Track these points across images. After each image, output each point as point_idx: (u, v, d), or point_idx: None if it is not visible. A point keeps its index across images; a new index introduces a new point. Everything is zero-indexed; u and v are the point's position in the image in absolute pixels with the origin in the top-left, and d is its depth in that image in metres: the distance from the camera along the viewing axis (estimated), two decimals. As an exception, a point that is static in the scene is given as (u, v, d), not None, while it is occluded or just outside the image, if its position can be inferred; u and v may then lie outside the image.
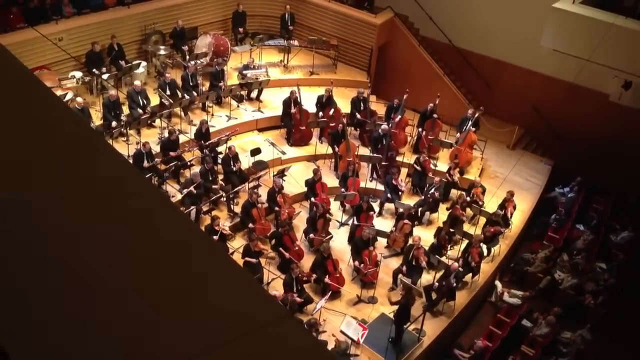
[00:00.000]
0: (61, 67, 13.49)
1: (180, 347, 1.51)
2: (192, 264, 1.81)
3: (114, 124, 12.55)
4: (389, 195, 13.18)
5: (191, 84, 13.98)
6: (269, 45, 16.32)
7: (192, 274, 1.77)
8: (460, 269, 11.39)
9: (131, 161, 11.34)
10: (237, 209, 12.30)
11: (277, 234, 11.72)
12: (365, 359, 10.22)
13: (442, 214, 13.15)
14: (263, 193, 12.50)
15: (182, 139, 13.01)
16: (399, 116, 14.43)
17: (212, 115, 14.23)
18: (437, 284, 11.16)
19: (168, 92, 13.53)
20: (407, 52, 16.70)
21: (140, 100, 13.10)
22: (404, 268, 11.45)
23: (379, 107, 15.51)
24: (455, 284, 11.01)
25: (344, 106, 14.89)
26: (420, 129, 14.72)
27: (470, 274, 11.83)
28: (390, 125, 14.17)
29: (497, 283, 12.81)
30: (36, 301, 1.56)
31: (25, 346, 1.44)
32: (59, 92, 12.00)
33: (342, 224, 12.99)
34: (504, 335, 11.53)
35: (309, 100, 14.65)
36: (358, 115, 14.74)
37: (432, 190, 12.99)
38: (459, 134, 14.72)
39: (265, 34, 16.32)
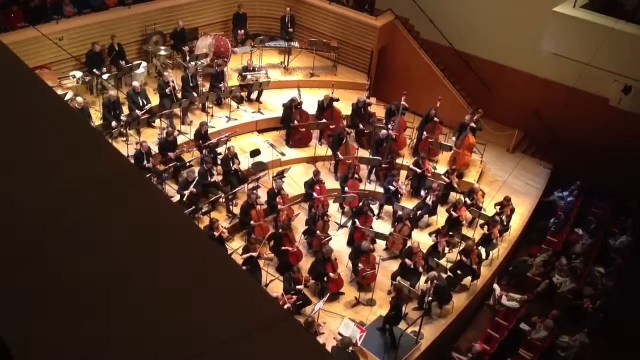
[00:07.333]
0: (61, 67, 13.51)
1: (180, 347, 1.51)
2: (192, 264, 1.81)
3: (113, 124, 12.55)
4: (388, 197, 13.17)
5: (191, 84, 13.98)
6: (270, 46, 16.34)
7: (192, 274, 1.77)
8: (443, 274, 11.38)
9: (132, 161, 11.35)
10: (236, 210, 12.30)
11: (276, 236, 11.71)
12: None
13: (441, 217, 13.15)
14: (262, 194, 12.50)
15: (182, 139, 13.01)
16: (398, 118, 14.42)
17: (212, 116, 14.23)
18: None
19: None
20: (408, 54, 16.70)
21: (140, 101, 13.11)
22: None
23: (379, 110, 15.51)
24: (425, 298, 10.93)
25: (344, 108, 14.89)
26: (420, 131, 14.72)
27: (470, 277, 11.83)
28: (391, 128, 14.17)
29: (496, 286, 12.81)
30: (37, 301, 1.56)
31: (27, 345, 1.44)
32: (59, 92, 12.00)
33: (341, 226, 12.99)
34: (502, 339, 11.52)
35: (308, 102, 14.65)
36: (361, 126, 14.66)
37: (430, 194, 12.98)
38: (454, 138, 14.76)
39: (266, 35, 16.33)
